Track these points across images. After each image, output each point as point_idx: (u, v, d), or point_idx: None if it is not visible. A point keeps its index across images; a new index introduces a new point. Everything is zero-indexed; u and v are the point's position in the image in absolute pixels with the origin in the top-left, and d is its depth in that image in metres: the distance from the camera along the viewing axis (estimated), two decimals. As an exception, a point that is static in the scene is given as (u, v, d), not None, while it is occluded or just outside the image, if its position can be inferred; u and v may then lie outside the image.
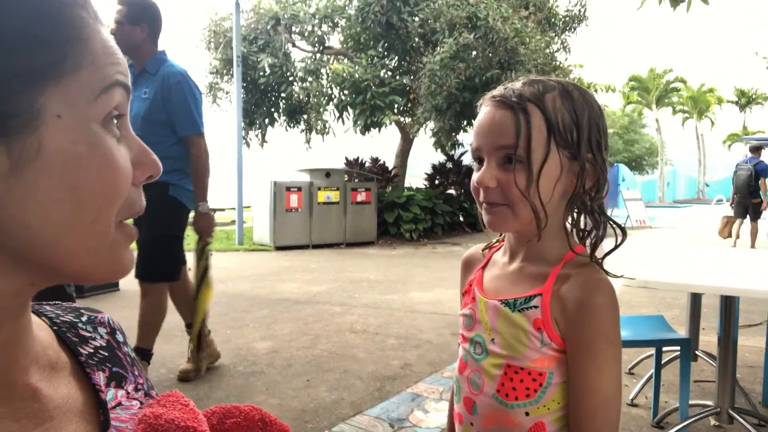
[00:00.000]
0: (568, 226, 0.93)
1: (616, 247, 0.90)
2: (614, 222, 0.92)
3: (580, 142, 0.85)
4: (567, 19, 15.09)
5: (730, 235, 10.81)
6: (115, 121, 0.46)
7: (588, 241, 0.92)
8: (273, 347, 4.41)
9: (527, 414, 0.86)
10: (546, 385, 0.85)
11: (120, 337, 0.60)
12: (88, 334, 0.56)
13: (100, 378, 0.52)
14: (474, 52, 11.40)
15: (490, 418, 0.89)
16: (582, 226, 0.93)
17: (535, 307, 0.86)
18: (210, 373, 3.81)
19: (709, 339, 4.45)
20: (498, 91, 0.88)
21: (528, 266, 0.92)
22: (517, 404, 0.86)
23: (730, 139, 46.48)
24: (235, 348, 4.40)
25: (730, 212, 11.11)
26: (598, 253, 0.90)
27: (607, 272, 0.88)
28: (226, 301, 6.11)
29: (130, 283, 6.89)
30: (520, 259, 0.93)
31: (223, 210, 16.66)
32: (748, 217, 10.49)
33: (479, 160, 0.89)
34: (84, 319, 0.58)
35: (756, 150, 10.42)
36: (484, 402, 0.90)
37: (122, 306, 5.81)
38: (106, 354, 0.55)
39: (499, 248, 1.03)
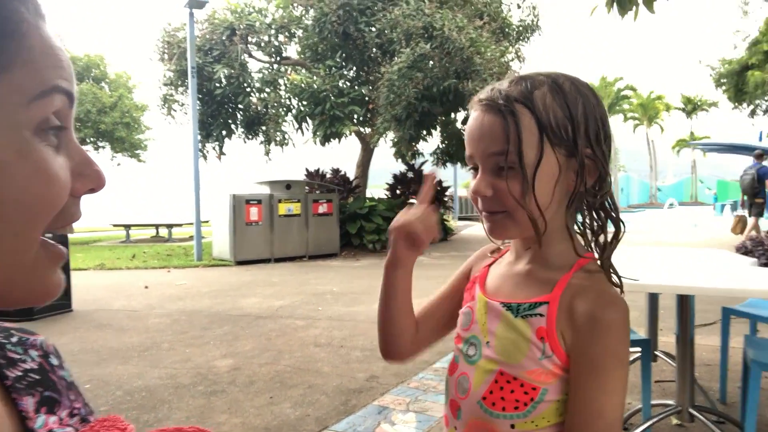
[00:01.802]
0: (578, 227, 0.87)
1: (616, 242, 0.85)
2: (617, 216, 0.86)
3: (576, 138, 0.80)
4: (520, 28, 15.45)
5: (742, 232, 11.94)
6: (52, 130, 0.42)
7: (595, 246, 0.86)
8: (235, 365, 4.30)
9: (512, 426, 0.80)
10: (538, 400, 0.79)
11: (54, 361, 0.55)
12: (18, 356, 0.51)
13: (29, 403, 0.47)
14: (431, 62, 11.51)
15: (473, 426, 0.84)
16: (588, 227, 0.87)
17: (540, 315, 0.80)
18: (170, 394, 3.67)
19: (666, 339, 4.55)
20: (485, 93, 0.84)
21: (535, 270, 0.86)
22: (503, 415, 0.80)
23: (678, 145, 48.30)
24: (195, 367, 4.26)
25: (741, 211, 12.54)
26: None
27: (620, 279, 0.83)
28: (185, 319, 5.94)
29: (84, 302, 6.65)
30: (526, 261, 0.88)
31: (180, 225, 16.31)
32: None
33: (475, 168, 0.85)
34: (14, 340, 0.53)
35: (759, 156, 11.61)
36: (469, 408, 0.85)
37: (75, 327, 5.58)
38: (38, 377, 0.51)
39: (506, 251, 0.97)
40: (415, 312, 1.04)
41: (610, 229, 0.87)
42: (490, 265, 0.96)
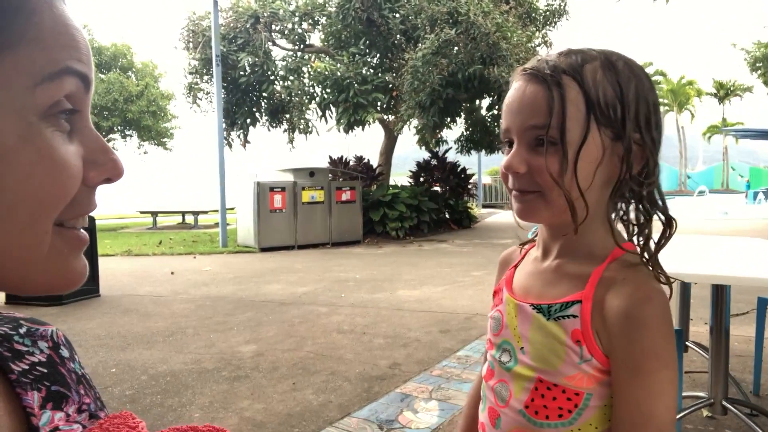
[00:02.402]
0: (615, 218, 0.80)
1: (666, 240, 0.77)
2: (666, 213, 0.78)
3: (625, 121, 0.73)
4: (547, 13, 15.16)
5: None
6: (64, 115, 0.39)
7: (638, 238, 0.79)
8: (258, 350, 4.32)
9: None
10: (582, 407, 0.74)
11: (65, 353, 0.52)
12: (25, 349, 0.48)
13: (34, 398, 0.45)
14: (456, 48, 11.36)
15: None
16: (633, 218, 0.80)
17: (574, 316, 0.74)
18: (193, 379, 3.70)
19: (696, 329, 4.44)
20: (531, 63, 0.77)
21: (565, 264, 0.79)
22: (548, 424, 0.76)
23: (709, 131, 47.13)
24: (219, 352, 4.29)
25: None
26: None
27: (662, 274, 0.76)
28: (210, 305, 6.00)
29: (111, 288, 6.77)
30: (554, 255, 0.81)
31: (206, 212, 16.50)
32: None
33: (509, 143, 0.78)
34: (22, 331, 0.50)
35: None
36: (510, 417, 0.80)
37: (103, 312, 5.68)
38: (45, 371, 0.48)
39: (533, 246, 0.90)
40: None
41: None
42: (516, 266, 0.90)
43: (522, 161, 0.75)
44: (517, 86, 0.77)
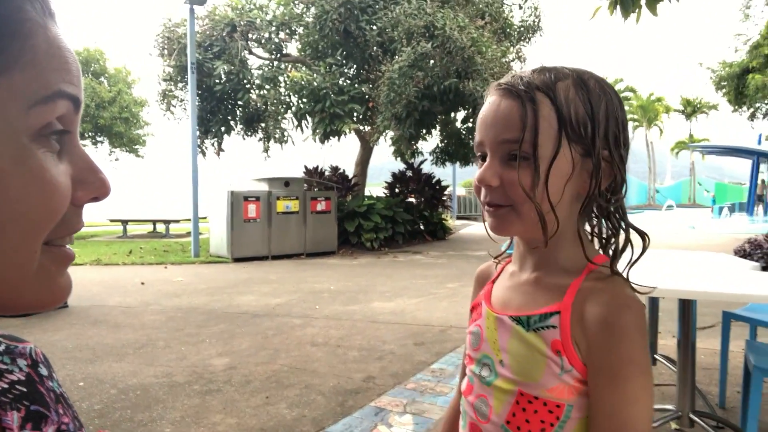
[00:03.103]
0: (588, 231, 0.83)
1: (640, 255, 0.78)
2: (635, 227, 0.81)
3: (595, 138, 0.76)
4: (522, 29, 15.42)
5: None
6: (55, 135, 0.40)
7: (604, 251, 0.82)
8: (231, 363, 4.27)
9: None
10: (564, 419, 0.74)
11: (43, 371, 0.52)
12: (4, 367, 0.49)
13: (14, 419, 0.45)
14: (432, 61, 11.48)
15: None
16: (603, 232, 0.83)
17: (553, 327, 0.75)
18: (164, 393, 3.64)
19: (665, 342, 4.53)
20: (505, 78, 0.79)
21: (542, 277, 0.81)
22: None
23: (677, 147, 48.31)
24: (190, 365, 4.23)
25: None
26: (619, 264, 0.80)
27: (633, 286, 0.78)
28: (181, 316, 5.90)
29: (80, 298, 6.61)
30: (531, 268, 0.83)
31: (178, 221, 16.27)
32: None
33: (482, 156, 0.80)
34: (1, 348, 0.50)
35: None
36: None
37: (71, 323, 5.55)
38: (25, 390, 0.48)
39: (509, 262, 0.91)
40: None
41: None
42: (494, 281, 0.91)
43: (495, 174, 0.77)
44: (491, 101, 0.79)
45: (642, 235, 0.80)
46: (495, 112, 0.77)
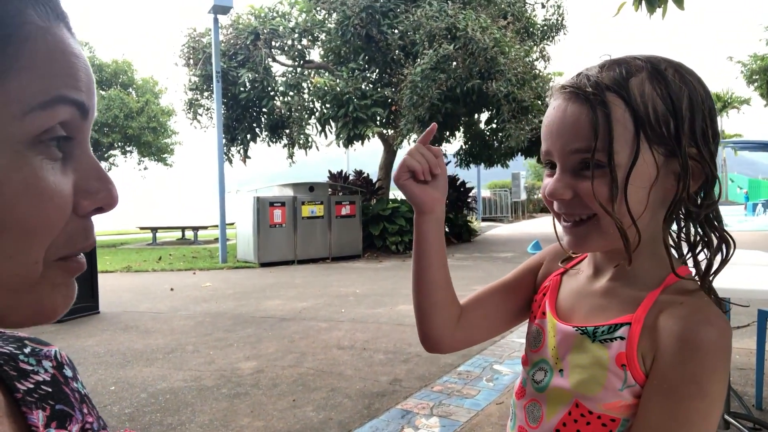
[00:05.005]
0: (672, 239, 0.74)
1: (724, 263, 0.70)
2: (728, 234, 0.71)
3: (679, 135, 0.67)
4: (545, 28, 15.28)
5: None
6: (56, 142, 0.38)
7: (694, 261, 0.73)
8: (258, 367, 4.30)
9: None
10: None
11: (68, 372, 0.53)
12: (30, 368, 0.49)
13: (39, 417, 0.46)
14: (454, 63, 11.44)
15: None
16: (691, 239, 0.73)
17: (621, 338, 0.68)
18: (193, 397, 3.68)
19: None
20: (570, 79, 0.71)
21: (618, 288, 0.74)
22: None
23: (708, 143, 47.25)
24: (218, 369, 4.27)
25: None
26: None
27: (721, 301, 0.71)
28: (209, 321, 5.98)
29: (111, 305, 6.75)
30: (607, 277, 0.76)
31: (206, 228, 16.50)
32: None
33: (550, 165, 0.73)
34: (27, 350, 0.51)
35: None
36: None
37: (102, 329, 5.66)
38: (50, 390, 0.49)
39: (582, 258, 0.83)
40: (464, 299, 0.92)
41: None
42: (563, 273, 0.84)
43: (566, 187, 0.70)
44: (556, 105, 0.71)
45: (728, 241, 0.71)
46: (562, 119, 0.70)
